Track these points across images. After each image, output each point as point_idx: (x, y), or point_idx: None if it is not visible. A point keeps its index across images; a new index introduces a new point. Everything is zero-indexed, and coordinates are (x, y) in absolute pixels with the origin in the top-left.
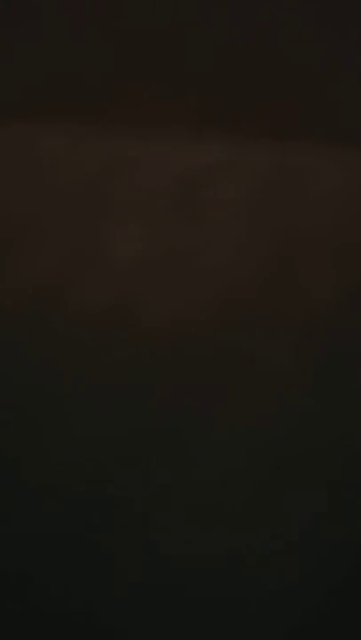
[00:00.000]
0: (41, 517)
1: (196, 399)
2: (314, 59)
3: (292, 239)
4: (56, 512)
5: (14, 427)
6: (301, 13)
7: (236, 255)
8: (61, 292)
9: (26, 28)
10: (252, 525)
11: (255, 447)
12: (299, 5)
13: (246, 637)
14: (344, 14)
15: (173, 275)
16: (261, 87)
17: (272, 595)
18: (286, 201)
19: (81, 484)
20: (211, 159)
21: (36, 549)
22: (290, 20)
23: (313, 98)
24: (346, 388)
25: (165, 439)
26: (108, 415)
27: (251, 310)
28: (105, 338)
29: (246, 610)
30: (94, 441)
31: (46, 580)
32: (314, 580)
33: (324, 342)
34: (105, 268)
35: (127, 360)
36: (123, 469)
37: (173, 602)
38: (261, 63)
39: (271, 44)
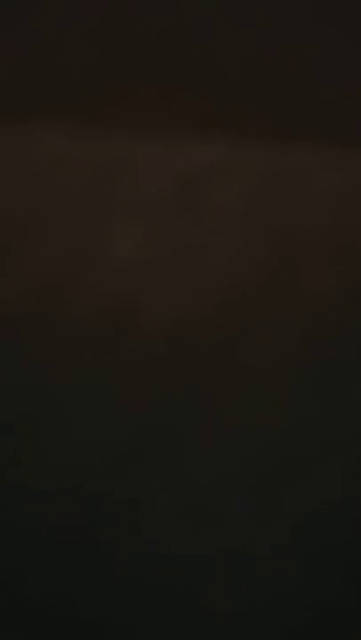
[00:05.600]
0: (40, 517)
1: (196, 399)
2: (314, 58)
3: (292, 239)
4: (55, 511)
5: (13, 426)
6: (301, 13)
7: (235, 255)
8: (61, 292)
9: (25, 27)
10: (252, 525)
11: (255, 447)
12: (299, 5)
13: (246, 637)
14: (344, 14)
15: (173, 275)
16: (261, 87)
17: (272, 595)
18: (286, 201)
19: (80, 483)
20: (211, 159)
21: (35, 549)
22: (290, 20)
23: (313, 98)
24: (346, 388)
25: (165, 439)
26: (108, 415)
27: (251, 310)
28: (105, 338)
29: (246, 610)
30: (94, 441)
31: (45, 579)
32: (313, 580)
33: (325, 342)
34: (105, 268)
35: (127, 360)
36: (122, 469)
37: (173, 602)
38: (261, 63)
39: (271, 44)
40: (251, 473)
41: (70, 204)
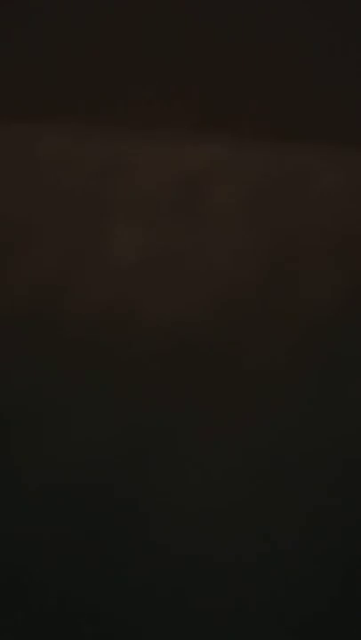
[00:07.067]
0: (40, 517)
1: (196, 399)
2: (314, 58)
3: (292, 239)
4: (55, 512)
5: (14, 426)
6: (301, 13)
7: (235, 255)
8: (61, 292)
9: (26, 27)
10: (252, 525)
11: (255, 448)
12: (299, 5)
13: (246, 637)
14: (344, 14)
15: (173, 275)
16: (261, 87)
17: (272, 595)
18: (286, 201)
19: (80, 483)
20: (211, 159)
21: (35, 550)
22: (290, 20)
23: (313, 98)
24: (346, 388)
25: (165, 439)
26: (108, 415)
27: (251, 310)
28: (105, 338)
29: (246, 610)
30: (94, 441)
31: (46, 580)
32: (313, 580)
33: (324, 342)
34: (105, 268)
35: (127, 360)
36: (122, 469)
37: (173, 602)
38: (261, 63)
39: (271, 44)
40: (251, 473)
41: (70, 204)
